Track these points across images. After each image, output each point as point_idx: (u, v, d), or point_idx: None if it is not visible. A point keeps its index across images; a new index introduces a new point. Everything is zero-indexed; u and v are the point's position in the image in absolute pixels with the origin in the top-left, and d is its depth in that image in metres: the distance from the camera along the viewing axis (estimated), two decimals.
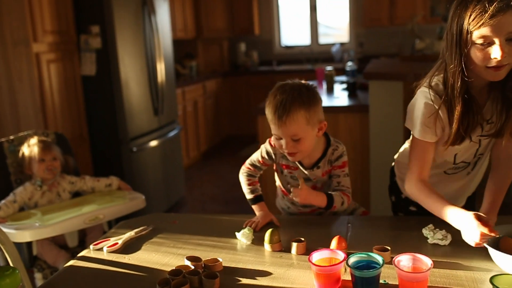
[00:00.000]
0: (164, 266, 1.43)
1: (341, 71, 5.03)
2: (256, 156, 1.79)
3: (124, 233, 1.67)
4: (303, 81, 1.65)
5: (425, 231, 1.51)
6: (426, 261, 1.21)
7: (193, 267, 1.37)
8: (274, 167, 1.84)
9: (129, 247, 1.59)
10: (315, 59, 6.90)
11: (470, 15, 1.29)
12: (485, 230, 1.27)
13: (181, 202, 4.65)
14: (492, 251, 1.28)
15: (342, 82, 3.99)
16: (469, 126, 1.41)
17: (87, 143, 3.72)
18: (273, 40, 7.22)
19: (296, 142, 1.59)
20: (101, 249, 1.58)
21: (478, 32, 1.29)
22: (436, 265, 1.32)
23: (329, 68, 4.22)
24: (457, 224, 1.38)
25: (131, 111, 3.76)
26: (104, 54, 3.59)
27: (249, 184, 1.78)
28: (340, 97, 3.56)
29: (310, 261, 1.24)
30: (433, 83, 1.47)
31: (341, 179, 1.73)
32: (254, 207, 1.75)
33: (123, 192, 2.38)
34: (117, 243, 1.59)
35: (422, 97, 1.47)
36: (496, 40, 1.27)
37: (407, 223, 1.66)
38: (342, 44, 6.81)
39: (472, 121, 1.41)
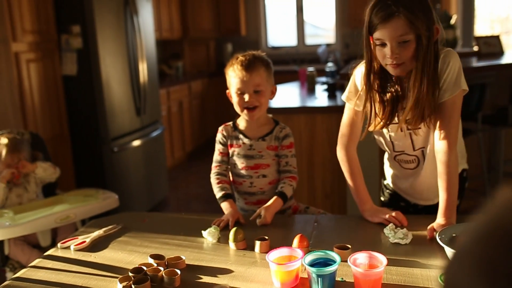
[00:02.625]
0: (129, 264, 1.44)
1: (325, 72, 5.06)
2: (215, 153, 1.89)
3: (93, 232, 1.69)
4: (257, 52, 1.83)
5: (386, 231, 1.53)
6: (381, 259, 1.24)
7: (155, 265, 1.38)
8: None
9: (97, 246, 1.61)
10: (302, 60, 6.92)
11: (372, 19, 1.45)
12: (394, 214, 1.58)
13: (164, 202, 4.65)
14: (447, 250, 1.31)
15: (323, 83, 4.02)
16: (390, 106, 1.56)
17: (68, 143, 3.72)
18: (260, 41, 7.24)
19: (257, 95, 1.74)
20: (68, 248, 1.59)
21: (375, 35, 1.46)
22: (394, 263, 1.35)
23: (310, 69, 4.24)
24: (365, 209, 1.68)
25: (113, 111, 3.77)
26: (85, 54, 3.60)
27: (218, 183, 1.82)
28: (319, 98, 3.59)
29: (268, 259, 1.26)
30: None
31: (289, 159, 1.83)
32: (222, 205, 1.77)
33: (96, 191, 2.39)
34: (84, 242, 1.60)
35: (359, 69, 1.65)
36: (388, 43, 1.44)
37: (372, 222, 1.69)
38: (328, 45, 6.84)
39: (393, 102, 1.56)
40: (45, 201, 2.33)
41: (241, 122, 1.86)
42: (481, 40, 4.12)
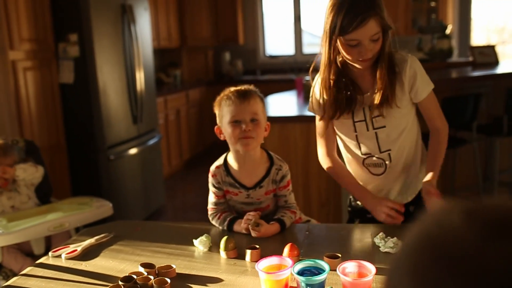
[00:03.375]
0: (120, 272, 1.45)
1: None
2: (211, 196, 1.80)
3: (85, 240, 1.69)
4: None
5: (377, 240, 1.54)
6: (370, 268, 1.24)
7: (146, 274, 1.39)
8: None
9: (88, 254, 1.61)
10: (299, 69, 6.94)
11: (342, 22, 1.52)
12: (391, 204, 1.64)
13: (161, 210, 4.65)
14: None
15: None
16: (343, 103, 1.67)
17: (64, 151, 3.73)
18: (258, 50, 7.27)
19: (254, 124, 1.64)
20: (59, 256, 1.59)
21: (350, 36, 1.53)
22: (383, 272, 1.35)
23: (307, 78, 4.26)
24: (366, 203, 1.71)
25: (109, 119, 3.78)
26: (82, 62, 3.61)
27: (219, 217, 1.76)
28: None
29: (257, 268, 1.27)
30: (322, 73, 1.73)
31: (288, 197, 1.77)
32: (235, 228, 1.70)
33: (90, 199, 2.39)
34: (76, 250, 1.60)
35: (316, 79, 1.77)
36: (363, 42, 1.53)
37: (363, 231, 1.69)
38: None
39: (347, 99, 1.67)
40: (38, 209, 2.33)
41: (233, 163, 1.73)
42: (476, 50, 4.14)
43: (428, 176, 1.66)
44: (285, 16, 7.26)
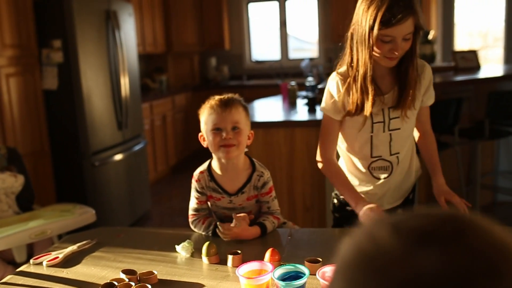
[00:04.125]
0: (101, 279, 1.44)
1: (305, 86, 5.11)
2: (192, 201, 1.80)
3: (67, 247, 1.68)
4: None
5: None
6: None
7: (127, 280, 1.39)
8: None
9: (70, 261, 1.60)
10: (285, 74, 6.98)
11: (383, 16, 1.53)
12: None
13: (147, 216, 4.63)
14: None
15: (303, 97, 4.06)
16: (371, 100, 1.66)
17: (48, 158, 3.70)
18: (244, 55, 7.29)
19: (235, 133, 1.65)
20: (41, 264, 1.58)
21: (385, 31, 1.55)
22: None
23: (292, 83, 4.29)
24: (357, 208, 1.66)
25: (94, 125, 3.76)
26: (66, 68, 3.60)
27: (202, 223, 1.76)
28: (299, 112, 3.62)
29: (238, 273, 1.27)
30: (340, 69, 1.74)
31: (271, 203, 1.77)
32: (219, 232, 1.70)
33: (73, 206, 2.38)
34: (57, 257, 1.60)
35: (330, 80, 1.75)
36: (397, 39, 1.56)
37: (346, 235, 1.70)
38: (311, 59, 6.91)
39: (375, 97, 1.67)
40: (20, 216, 2.31)
41: (216, 169, 1.75)
42: (458, 55, 4.20)
43: (438, 180, 1.80)
44: (271, 21, 7.29)
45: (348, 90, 1.69)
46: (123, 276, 1.41)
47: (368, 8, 1.56)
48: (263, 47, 7.46)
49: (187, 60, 7.07)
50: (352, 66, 1.68)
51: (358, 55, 1.64)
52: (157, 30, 6.25)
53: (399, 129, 1.73)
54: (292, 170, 3.11)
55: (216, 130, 1.65)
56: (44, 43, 3.58)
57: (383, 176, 1.79)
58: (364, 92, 1.65)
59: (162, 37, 6.42)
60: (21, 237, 2.05)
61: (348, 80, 1.68)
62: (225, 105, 1.65)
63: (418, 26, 1.58)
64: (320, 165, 1.83)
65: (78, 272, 1.52)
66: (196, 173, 1.78)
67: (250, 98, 5.25)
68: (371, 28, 1.56)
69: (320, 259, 1.43)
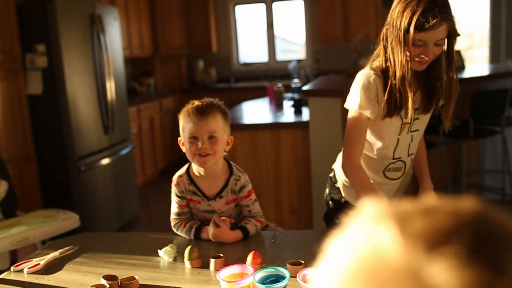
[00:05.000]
0: (82, 285, 1.43)
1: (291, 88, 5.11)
2: (173, 206, 1.79)
3: (49, 254, 1.67)
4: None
5: None
6: None
7: (108, 286, 1.38)
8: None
9: (51, 268, 1.59)
10: (273, 76, 6.99)
11: (416, 21, 1.53)
12: None
13: (135, 220, 4.61)
14: None
15: (290, 99, 4.06)
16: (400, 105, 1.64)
17: (33, 163, 3.67)
18: (231, 57, 7.29)
19: (212, 142, 1.64)
20: (22, 271, 1.57)
21: (418, 36, 1.54)
22: None
23: (279, 85, 4.29)
24: None
25: (79, 130, 3.74)
26: (50, 73, 3.58)
27: (184, 226, 1.76)
28: (285, 114, 3.63)
29: (218, 277, 1.27)
30: (374, 66, 1.67)
31: (251, 207, 1.77)
32: (202, 235, 1.71)
33: (57, 212, 2.37)
34: (38, 264, 1.58)
35: (363, 77, 1.66)
36: (429, 44, 1.55)
37: (330, 236, 1.71)
38: (298, 61, 6.92)
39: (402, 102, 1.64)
40: (3, 223, 2.29)
41: (195, 172, 1.75)
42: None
43: (427, 184, 1.83)
44: (258, 23, 7.30)
45: (385, 90, 1.64)
46: (104, 282, 1.40)
47: (404, 10, 1.56)
48: (250, 49, 7.46)
49: (174, 63, 7.05)
50: (388, 67, 1.64)
51: (394, 56, 1.61)
52: (144, 33, 6.23)
53: (418, 130, 1.75)
54: (278, 172, 3.11)
55: (193, 138, 1.65)
56: (28, 47, 3.56)
57: (396, 176, 1.80)
58: (402, 94, 1.61)
59: (149, 41, 6.40)
60: (3, 244, 2.03)
61: (390, 81, 1.62)
62: (201, 114, 1.63)
63: (452, 32, 1.58)
64: (346, 170, 1.72)
65: (59, 278, 1.50)
66: (175, 178, 1.78)
67: (238, 101, 5.26)
68: (406, 31, 1.55)
69: (302, 261, 1.43)
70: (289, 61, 6.98)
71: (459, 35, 1.62)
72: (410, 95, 1.61)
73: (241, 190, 1.74)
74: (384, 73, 1.65)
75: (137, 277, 1.42)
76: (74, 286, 1.44)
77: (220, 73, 7.25)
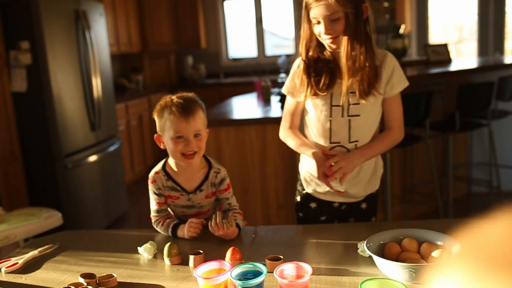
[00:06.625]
0: (60, 284, 1.42)
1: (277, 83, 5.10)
2: (152, 204, 1.79)
3: (28, 252, 1.65)
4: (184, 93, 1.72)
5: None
6: (307, 268, 1.25)
7: (85, 284, 1.36)
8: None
9: (30, 267, 1.57)
10: (262, 71, 6.97)
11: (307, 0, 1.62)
12: (325, 170, 1.65)
13: (123, 217, 4.59)
14: (374, 257, 1.33)
15: (277, 94, 4.05)
16: (327, 80, 1.69)
17: (19, 161, 3.64)
18: (220, 53, 7.26)
19: (197, 140, 1.63)
20: (0, 270, 1.55)
21: (311, 13, 1.62)
22: (325, 272, 1.36)
23: (266, 80, 4.27)
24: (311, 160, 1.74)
25: (65, 127, 3.71)
26: (34, 70, 3.54)
27: (162, 224, 1.75)
28: (272, 109, 3.61)
29: (195, 274, 1.26)
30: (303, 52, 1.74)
31: (231, 200, 1.77)
32: (178, 233, 1.70)
33: (39, 210, 2.35)
34: (17, 263, 1.57)
35: (295, 64, 1.80)
36: (321, 20, 1.60)
37: (309, 231, 1.70)
38: (288, 55, 6.91)
39: (329, 77, 1.69)
40: None
41: (173, 168, 1.73)
42: (429, 48, 4.23)
43: (355, 152, 1.72)
44: (247, 18, 7.27)
45: (299, 71, 1.74)
46: (81, 280, 1.39)
47: None
48: (239, 44, 7.44)
49: (163, 59, 7.02)
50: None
51: (302, 35, 1.70)
52: (132, 29, 6.19)
53: (358, 115, 1.71)
54: (264, 167, 3.10)
55: (178, 138, 1.62)
56: (11, 44, 3.52)
57: None
58: (309, 75, 1.70)
59: (137, 37, 6.37)
60: None
61: (301, 60, 1.73)
62: (187, 113, 1.60)
63: (343, 8, 1.57)
64: (280, 135, 1.89)
65: (37, 277, 1.49)
66: (151, 175, 1.76)
67: (228, 96, 5.23)
68: (306, 10, 1.63)
69: (282, 257, 1.42)
70: (279, 56, 6.97)
71: (358, 13, 1.59)
72: (306, 74, 1.70)
73: (222, 182, 1.74)
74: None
75: (115, 275, 1.40)
76: (52, 284, 1.43)
77: (209, 68, 7.23)
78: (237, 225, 1.68)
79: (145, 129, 5.88)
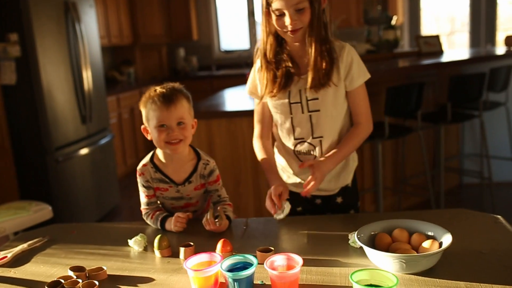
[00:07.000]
0: (49, 277, 1.40)
1: None
2: (142, 196, 1.78)
3: (17, 246, 1.64)
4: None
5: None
6: (298, 259, 1.24)
7: (75, 277, 1.35)
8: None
9: (19, 260, 1.56)
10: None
11: None
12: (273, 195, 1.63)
13: (115, 211, 4.58)
14: (365, 248, 1.33)
15: None
16: (281, 79, 1.67)
17: (9, 155, 3.62)
18: (212, 45, 7.23)
19: (181, 128, 1.63)
20: None
21: (273, 5, 1.58)
22: (315, 263, 1.36)
23: None
24: (270, 183, 1.71)
25: (56, 120, 3.69)
26: (24, 63, 3.51)
27: (152, 217, 1.74)
28: None
29: (185, 266, 1.26)
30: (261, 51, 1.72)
31: (220, 191, 1.77)
32: (166, 226, 1.69)
33: (29, 203, 2.33)
34: (6, 257, 1.55)
35: (256, 66, 1.77)
36: (286, 12, 1.56)
37: (300, 223, 1.70)
38: None
39: (285, 75, 1.67)
40: None
41: (161, 159, 1.72)
42: (421, 40, 4.22)
43: (325, 162, 1.68)
44: (239, 10, 7.24)
45: (260, 71, 1.72)
46: (70, 273, 1.38)
47: None
48: (231, 36, 7.40)
49: (155, 51, 6.97)
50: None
51: (261, 33, 1.67)
52: (123, 21, 6.15)
53: (318, 110, 1.69)
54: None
55: (161, 126, 1.62)
56: (0, 36, 3.48)
57: (309, 159, 1.76)
58: (266, 71, 1.68)
59: (128, 29, 6.32)
60: None
61: (259, 59, 1.71)
62: (168, 101, 1.60)
63: None
64: (254, 148, 1.86)
65: (26, 271, 1.48)
66: (139, 167, 1.75)
67: (220, 88, 5.21)
68: (267, 4, 1.59)
69: (272, 248, 1.42)
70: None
71: (319, 3, 1.58)
72: (265, 72, 1.67)
73: (211, 174, 1.74)
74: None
75: (105, 268, 1.39)
76: (41, 278, 1.41)
77: (201, 61, 7.20)
78: (228, 217, 1.68)
79: (137, 122, 5.86)
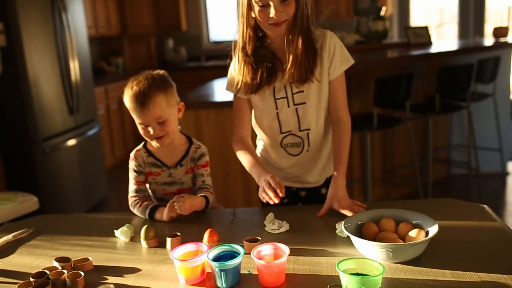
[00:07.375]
0: (34, 269, 1.39)
1: None
2: (131, 183, 1.79)
3: (2, 237, 1.62)
4: (154, 71, 1.70)
5: (266, 221, 1.57)
6: (285, 249, 1.24)
7: (60, 268, 1.34)
8: (148, 186, 1.81)
9: (4, 251, 1.54)
10: None
11: None
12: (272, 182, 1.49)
13: (104, 202, 4.56)
14: (352, 237, 1.33)
15: None
16: (264, 75, 1.62)
17: None
18: (201, 36, 7.18)
19: (162, 125, 1.63)
20: None
21: None
22: (303, 252, 1.36)
23: None
24: (257, 181, 1.60)
25: (42, 111, 3.65)
26: (9, 52, 3.46)
27: (140, 205, 1.73)
28: None
29: (172, 256, 1.25)
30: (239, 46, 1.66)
31: (205, 178, 1.76)
32: (156, 215, 1.69)
33: (15, 194, 2.31)
34: None
35: (233, 60, 1.72)
36: (271, 3, 1.50)
37: (287, 213, 1.70)
38: None
39: (267, 72, 1.62)
40: None
41: (153, 145, 1.73)
42: (410, 31, 4.23)
43: (337, 181, 1.62)
44: (228, 1, 7.19)
45: (239, 67, 1.66)
46: (56, 264, 1.36)
47: None
48: (221, 27, 7.35)
49: (143, 42, 6.91)
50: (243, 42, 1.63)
51: (240, 27, 1.60)
52: (111, 11, 6.08)
53: (304, 103, 1.67)
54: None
55: (143, 126, 1.65)
56: None
57: (296, 152, 1.75)
58: (245, 67, 1.63)
59: (116, 19, 6.26)
60: None
61: (241, 55, 1.64)
62: (141, 104, 1.59)
63: None
64: (235, 150, 1.75)
65: (11, 262, 1.46)
66: (132, 153, 1.78)
67: (209, 79, 5.19)
68: None
69: (259, 238, 1.41)
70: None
71: None
72: (246, 68, 1.62)
73: (200, 157, 1.75)
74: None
75: (90, 258, 1.38)
76: (26, 269, 1.40)
77: (191, 52, 7.15)
78: (206, 198, 1.68)
79: (126, 113, 5.81)
